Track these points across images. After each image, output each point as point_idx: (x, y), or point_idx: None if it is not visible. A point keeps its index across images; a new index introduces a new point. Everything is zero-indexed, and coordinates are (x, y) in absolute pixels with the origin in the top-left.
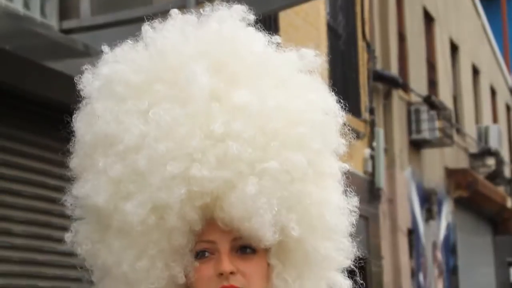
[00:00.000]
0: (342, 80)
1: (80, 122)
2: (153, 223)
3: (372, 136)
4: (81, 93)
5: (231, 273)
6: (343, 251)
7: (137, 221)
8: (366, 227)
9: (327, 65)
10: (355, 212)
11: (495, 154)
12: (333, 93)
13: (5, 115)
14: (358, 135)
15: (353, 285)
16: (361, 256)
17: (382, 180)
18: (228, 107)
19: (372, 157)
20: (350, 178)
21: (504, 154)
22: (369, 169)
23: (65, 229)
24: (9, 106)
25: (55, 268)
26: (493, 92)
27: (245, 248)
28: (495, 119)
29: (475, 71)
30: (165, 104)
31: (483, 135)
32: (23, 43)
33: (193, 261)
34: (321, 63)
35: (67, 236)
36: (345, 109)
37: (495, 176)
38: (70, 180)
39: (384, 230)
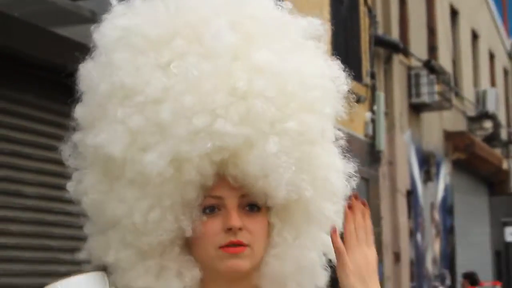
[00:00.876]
0: (344, 45)
1: (93, 72)
2: (170, 175)
3: (373, 100)
4: (95, 42)
5: (239, 229)
6: (342, 213)
7: (155, 173)
8: (367, 189)
9: (329, 30)
10: (356, 177)
11: (492, 117)
12: (337, 61)
13: (14, 80)
14: (359, 99)
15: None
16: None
17: (382, 143)
18: (249, 66)
19: (373, 121)
20: (351, 141)
21: (501, 117)
22: (370, 132)
23: None
24: (17, 71)
25: (65, 228)
26: (491, 56)
27: (251, 205)
28: (493, 83)
29: (474, 36)
30: (190, 58)
31: (481, 98)
32: (31, 10)
33: (201, 216)
34: (325, 30)
35: (69, 185)
36: (348, 75)
37: (492, 138)
38: (71, 129)
39: (383, 191)
